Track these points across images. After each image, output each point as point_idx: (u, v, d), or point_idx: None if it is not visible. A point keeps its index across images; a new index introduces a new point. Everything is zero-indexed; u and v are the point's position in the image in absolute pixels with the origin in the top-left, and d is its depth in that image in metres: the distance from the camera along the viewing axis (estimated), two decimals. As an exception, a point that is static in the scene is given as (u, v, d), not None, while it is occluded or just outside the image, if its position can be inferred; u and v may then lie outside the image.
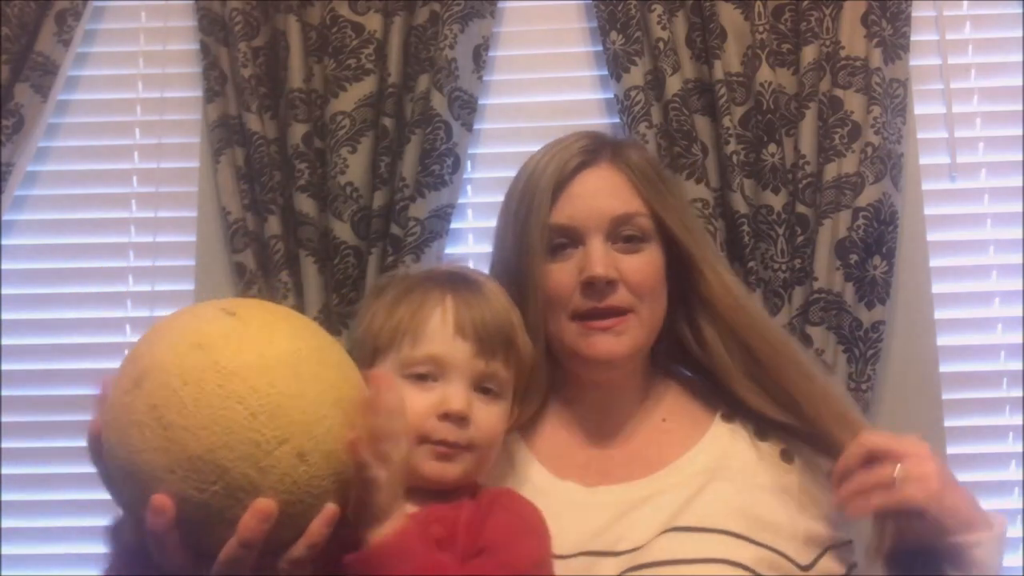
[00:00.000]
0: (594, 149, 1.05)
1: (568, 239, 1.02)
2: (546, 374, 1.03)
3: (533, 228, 1.01)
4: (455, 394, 0.88)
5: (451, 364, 0.89)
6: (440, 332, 0.90)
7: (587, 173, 1.04)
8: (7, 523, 1.59)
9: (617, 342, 1.00)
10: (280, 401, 0.70)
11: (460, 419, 0.88)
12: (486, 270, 1.08)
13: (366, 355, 0.93)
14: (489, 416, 0.90)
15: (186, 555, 0.71)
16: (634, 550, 0.93)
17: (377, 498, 0.76)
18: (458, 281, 0.95)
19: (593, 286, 0.99)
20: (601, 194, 1.02)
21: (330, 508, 0.74)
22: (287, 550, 0.73)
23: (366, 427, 0.75)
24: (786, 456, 1.04)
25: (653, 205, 1.03)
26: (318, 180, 1.55)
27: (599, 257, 0.99)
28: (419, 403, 0.87)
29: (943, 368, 1.56)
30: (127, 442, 0.70)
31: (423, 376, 0.89)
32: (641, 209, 1.02)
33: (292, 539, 0.73)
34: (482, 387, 0.91)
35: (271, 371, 0.71)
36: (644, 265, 1.01)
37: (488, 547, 0.83)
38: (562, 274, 1.01)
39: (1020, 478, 1.53)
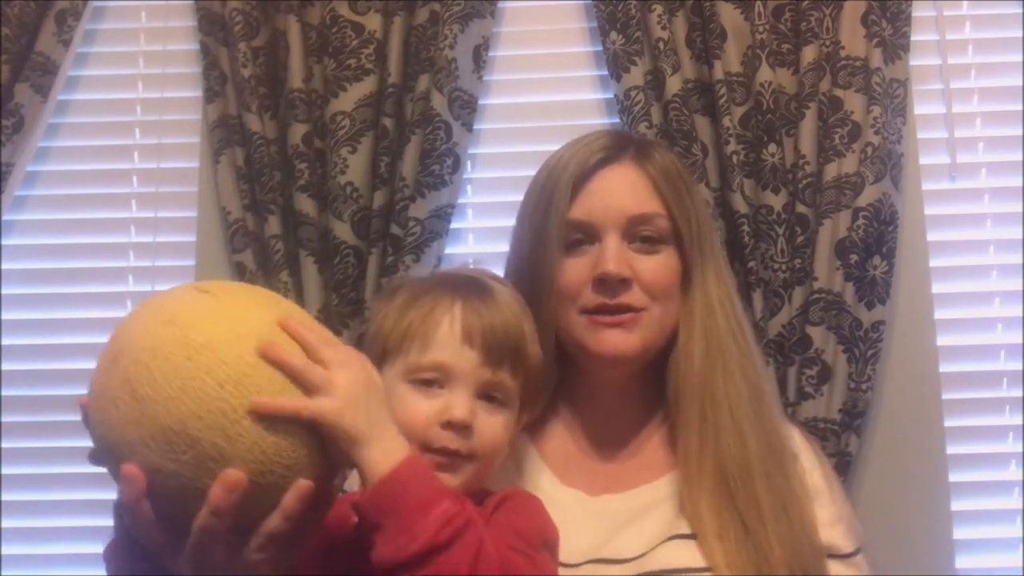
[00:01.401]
0: (617, 146, 1.04)
1: (584, 235, 1.01)
2: (555, 373, 1.01)
3: (551, 222, 1.00)
4: (458, 403, 0.87)
5: (457, 372, 0.88)
6: (448, 340, 0.89)
7: (608, 170, 1.02)
8: (7, 523, 1.59)
9: (626, 339, 0.98)
10: (247, 371, 0.72)
11: (463, 428, 0.86)
12: (497, 268, 1.07)
13: (375, 356, 0.92)
14: (493, 426, 0.89)
15: (162, 529, 0.72)
16: (639, 557, 0.93)
17: (346, 419, 0.74)
18: (470, 287, 0.93)
19: (605, 283, 0.98)
20: (620, 192, 1.01)
21: (302, 483, 0.73)
22: (261, 524, 0.73)
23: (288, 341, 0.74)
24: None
25: (672, 208, 1.01)
26: (318, 180, 1.55)
27: (613, 254, 0.98)
28: (422, 410, 0.86)
29: (943, 368, 1.56)
30: (105, 419, 0.73)
31: (429, 382, 0.88)
32: (660, 210, 1.01)
33: (261, 513, 0.73)
34: (487, 395, 0.89)
35: (240, 343, 0.72)
36: (659, 266, 1.00)
37: (498, 518, 0.83)
38: (576, 269, 1.00)
39: (1020, 478, 1.53)
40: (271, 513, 0.72)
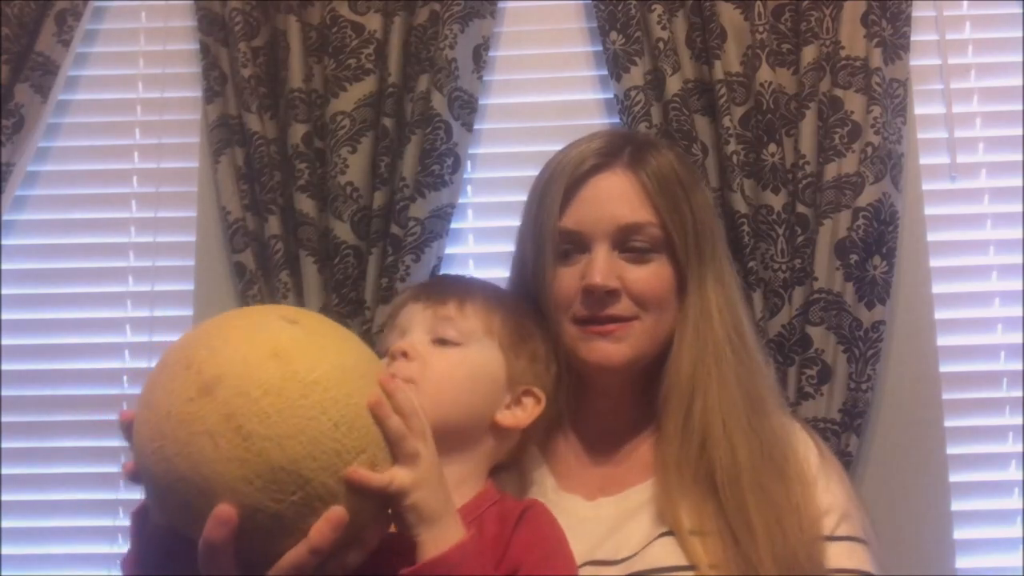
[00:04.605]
0: (611, 152, 1.02)
1: (574, 244, 1.00)
2: (565, 378, 1.01)
3: (544, 231, 1.00)
4: (407, 339, 0.93)
5: (406, 326, 0.94)
6: (404, 313, 0.96)
7: (600, 177, 1.01)
8: (7, 523, 1.59)
9: (616, 348, 0.98)
10: (357, 412, 0.71)
11: (402, 355, 0.90)
12: (498, 269, 1.07)
13: None
14: (442, 359, 0.91)
15: (237, 569, 0.70)
16: (631, 557, 0.93)
17: (421, 494, 0.75)
18: (435, 279, 0.99)
19: (592, 294, 0.97)
20: (611, 200, 0.99)
21: (385, 518, 0.75)
22: (339, 556, 0.73)
23: (384, 429, 0.74)
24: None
25: (664, 216, 0.99)
26: (318, 180, 1.55)
27: (600, 266, 0.97)
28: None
29: (943, 368, 1.55)
30: (194, 452, 0.68)
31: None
32: (651, 219, 0.99)
33: (344, 546, 0.73)
34: (440, 339, 0.93)
35: (348, 382, 0.72)
36: (650, 277, 0.99)
37: (521, 570, 0.83)
38: (567, 279, 0.99)
39: (1020, 478, 1.53)
40: (346, 545, 0.73)
